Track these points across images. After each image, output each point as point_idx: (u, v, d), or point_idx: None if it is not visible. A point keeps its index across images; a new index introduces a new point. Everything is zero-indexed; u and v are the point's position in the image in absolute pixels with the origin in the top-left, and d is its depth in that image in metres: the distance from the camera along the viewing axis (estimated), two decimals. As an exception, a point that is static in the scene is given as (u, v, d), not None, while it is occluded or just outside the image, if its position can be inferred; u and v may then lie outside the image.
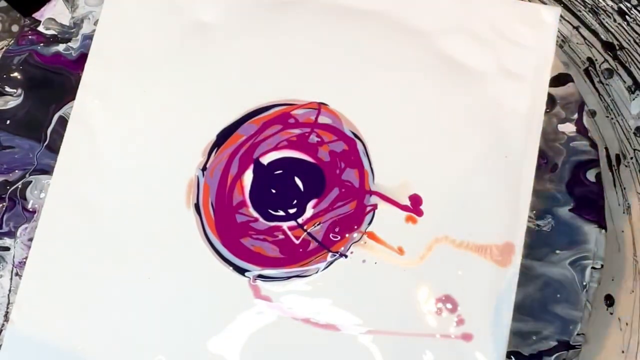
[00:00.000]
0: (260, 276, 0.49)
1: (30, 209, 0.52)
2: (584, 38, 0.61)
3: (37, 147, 0.53)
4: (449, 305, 0.49)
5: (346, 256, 0.50)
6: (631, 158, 0.59)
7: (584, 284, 0.51)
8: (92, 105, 0.52)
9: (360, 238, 0.50)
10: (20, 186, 0.53)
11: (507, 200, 0.49)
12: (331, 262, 0.50)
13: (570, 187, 0.52)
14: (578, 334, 0.50)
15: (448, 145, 0.50)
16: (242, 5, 0.53)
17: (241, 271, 0.50)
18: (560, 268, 0.51)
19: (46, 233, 0.50)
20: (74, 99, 0.52)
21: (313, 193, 0.51)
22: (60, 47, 0.55)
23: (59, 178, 0.51)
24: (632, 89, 0.60)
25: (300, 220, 0.50)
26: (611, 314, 0.56)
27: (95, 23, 0.54)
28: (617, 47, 0.60)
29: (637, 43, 0.61)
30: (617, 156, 0.59)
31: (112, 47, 0.52)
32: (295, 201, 0.51)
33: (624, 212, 0.58)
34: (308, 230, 0.50)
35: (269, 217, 0.50)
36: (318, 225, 0.50)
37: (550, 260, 0.51)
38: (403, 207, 0.50)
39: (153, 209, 0.50)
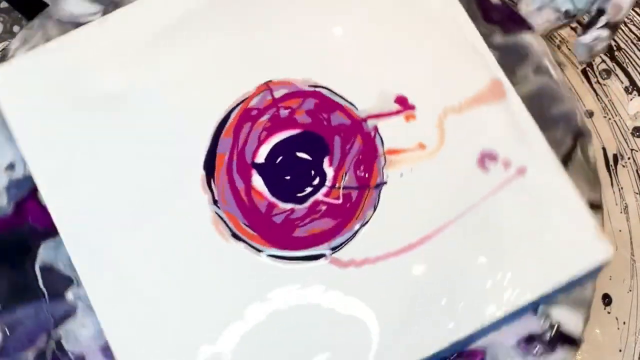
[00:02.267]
0: (333, 249, 0.49)
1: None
2: (582, 39, 0.61)
3: (42, 304, 0.51)
4: (489, 159, 0.50)
5: (386, 182, 0.50)
6: (628, 158, 0.59)
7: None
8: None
9: (385, 160, 0.50)
10: (54, 346, 0.51)
11: (467, 53, 0.52)
12: (378, 196, 0.50)
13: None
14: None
15: (398, 42, 0.52)
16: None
17: (316, 258, 0.49)
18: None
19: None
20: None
21: (320, 155, 0.51)
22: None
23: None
24: (630, 90, 0.60)
25: (328, 183, 0.50)
26: (609, 313, 0.56)
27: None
28: (615, 48, 0.61)
29: (634, 44, 0.61)
30: (615, 156, 0.59)
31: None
32: (312, 171, 0.51)
33: (621, 212, 0.58)
34: (341, 186, 0.50)
35: (301, 200, 0.50)
36: (345, 176, 0.50)
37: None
38: (396, 112, 0.51)
39: (195, 244, 0.50)
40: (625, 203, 0.58)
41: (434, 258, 0.49)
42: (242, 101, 0.52)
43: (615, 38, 0.61)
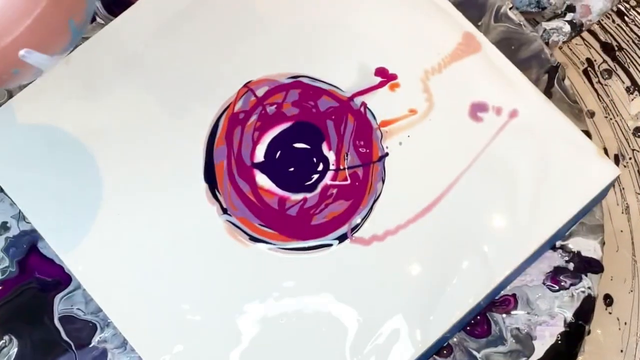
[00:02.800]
0: (353, 229, 0.50)
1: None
2: (583, 39, 0.61)
3: (71, 356, 0.51)
4: (480, 110, 0.51)
5: (387, 154, 0.51)
6: (630, 158, 0.59)
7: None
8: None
9: (381, 133, 0.51)
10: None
11: (434, 14, 0.53)
12: (384, 169, 0.50)
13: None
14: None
15: (365, 16, 0.53)
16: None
17: (341, 238, 0.50)
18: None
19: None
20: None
21: (317, 141, 0.51)
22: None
23: None
24: (631, 90, 0.60)
25: (332, 167, 0.51)
26: (610, 313, 0.55)
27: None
28: (616, 48, 0.61)
29: (635, 44, 0.61)
30: (616, 156, 0.59)
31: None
32: (314, 159, 0.51)
33: (622, 212, 0.57)
34: (345, 167, 0.51)
35: (309, 189, 0.51)
36: (347, 156, 0.51)
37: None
38: (380, 84, 0.52)
39: (215, 257, 0.50)
40: (627, 203, 0.58)
41: (451, 214, 0.49)
42: (227, 107, 0.52)
43: (617, 38, 0.61)
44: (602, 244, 0.52)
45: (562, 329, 0.50)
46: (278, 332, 0.48)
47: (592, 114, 0.60)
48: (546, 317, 0.50)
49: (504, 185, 0.50)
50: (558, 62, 0.54)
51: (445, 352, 0.50)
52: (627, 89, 0.60)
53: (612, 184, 0.51)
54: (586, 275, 0.51)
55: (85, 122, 0.52)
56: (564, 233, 0.51)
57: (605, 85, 0.60)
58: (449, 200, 0.50)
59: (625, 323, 0.55)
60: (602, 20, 0.61)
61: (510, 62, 0.52)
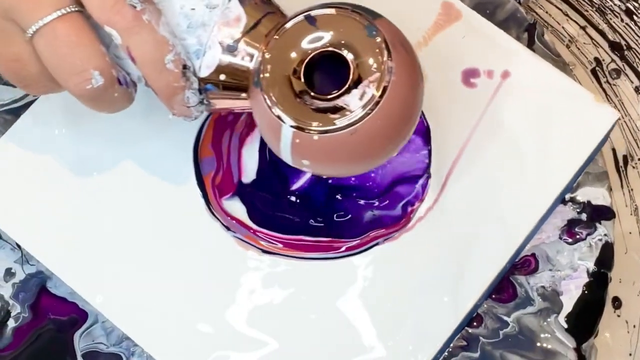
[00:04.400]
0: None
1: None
2: (591, 38, 0.60)
3: None
4: (472, 76, 0.52)
5: None
6: (639, 159, 0.58)
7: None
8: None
9: None
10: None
11: None
12: None
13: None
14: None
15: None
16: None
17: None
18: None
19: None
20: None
21: None
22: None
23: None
24: (640, 89, 0.60)
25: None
26: (618, 316, 0.55)
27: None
28: (625, 47, 0.60)
29: (644, 43, 0.60)
30: (625, 157, 0.58)
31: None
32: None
33: (631, 214, 0.57)
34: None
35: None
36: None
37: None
38: None
39: (229, 262, 0.50)
40: (636, 205, 0.57)
41: (464, 186, 0.50)
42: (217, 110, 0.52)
43: (625, 37, 0.60)
44: (609, 190, 0.53)
45: (586, 279, 0.51)
46: (311, 327, 0.49)
47: (600, 115, 0.59)
48: (569, 270, 0.52)
49: (509, 147, 0.50)
50: (534, 20, 0.55)
51: (475, 323, 0.51)
52: (636, 89, 0.60)
53: (612, 129, 0.51)
54: (600, 224, 0.52)
55: (75, 150, 0.52)
56: (572, 184, 0.52)
57: (614, 85, 0.60)
58: (459, 172, 0.51)
59: (634, 326, 0.55)
60: (611, 19, 0.61)
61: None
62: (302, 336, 0.49)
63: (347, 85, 0.42)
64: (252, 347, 0.48)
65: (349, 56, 0.42)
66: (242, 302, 0.49)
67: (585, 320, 0.51)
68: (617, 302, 0.55)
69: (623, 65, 0.60)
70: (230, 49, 0.44)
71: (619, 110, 0.59)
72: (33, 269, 0.52)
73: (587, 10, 0.61)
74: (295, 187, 0.52)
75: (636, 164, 0.58)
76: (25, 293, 0.52)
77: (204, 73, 0.44)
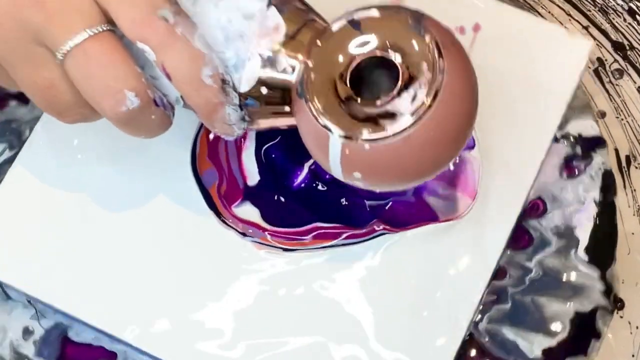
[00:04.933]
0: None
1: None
2: (594, 38, 0.60)
3: None
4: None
5: None
6: (642, 160, 0.58)
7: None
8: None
9: None
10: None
11: None
12: None
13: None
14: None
15: None
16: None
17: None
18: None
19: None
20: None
21: None
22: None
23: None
24: (643, 89, 0.59)
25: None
26: (621, 317, 0.55)
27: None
28: (627, 47, 0.60)
29: (647, 43, 0.60)
30: (627, 157, 0.58)
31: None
32: None
33: (634, 214, 0.57)
34: None
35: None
36: None
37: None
38: None
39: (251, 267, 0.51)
40: (638, 205, 0.57)
41: None
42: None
43: (628, 37, 0.60)
44: (596, 120, 0.54)
45: (595, 209, 0.53)
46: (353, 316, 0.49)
47: (603, 115, 0.59)
48: (577, 205, 0.53)
49: (496, 97, 0.51)
50: None
51: (499, 276, 0.52)
52: (639, 89, 0.59)
53: (590, 56, 0.53)
54: (595, 153, 0.54)
55: (72, 187, 0.52)
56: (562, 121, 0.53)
57: (617, 85, 0.59)
58: None
59: (637, 327, 0.55)
60: (614, 19, 0.60)
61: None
62: (348, 326, 0.49)
63: (397, 89, 0.40)
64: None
65: (397, 59, 0.41)
66: (278, 309, 0.49)
67: (604, 249, 0.53)
68: (619, 303, 0.55)
69: (626, 65, 0.60)
70: (271, 61, 0.42)
71: (621, 111, 0.59)
72: (51, 322, 0.52)
73: (589, 10, 0.61)
74: (299, 180, 0.51)
75: (639, 164, 0.58)
76: (48, 348, 0.51)
77: (244, 88, 0.42)
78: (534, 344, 0.51)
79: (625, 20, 0.60)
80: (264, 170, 0.52)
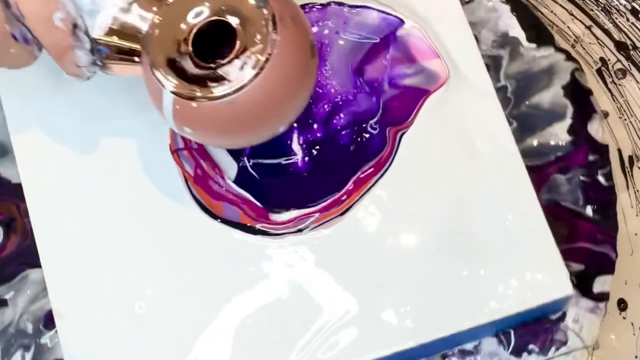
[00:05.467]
0: None
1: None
2: (597, 37, 0.60)
3: None
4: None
5: None
6: (645, 160, 0.58)
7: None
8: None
9: None
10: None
11: None
12: None
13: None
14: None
15: None
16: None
17: None
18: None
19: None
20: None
21: None
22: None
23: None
24: (646, 90, 0.59)
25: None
26: (624, 318, 0.55)
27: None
28: (630, 47, 0.60)
29: (650, 42, 0.60)
30: (630, 158, 0.58)
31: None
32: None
33: (637, 215, 0.57)
34: None
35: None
36: None
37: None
38: None
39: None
40: (641, 205, 0.57)
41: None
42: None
43: (631, 37, 0.60)
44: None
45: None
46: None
47: (606, 115, 0.59)
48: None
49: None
50: None
51: None
52: (642, 89, 0.59)
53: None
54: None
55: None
56: None
57: (620, 85, 0.59)
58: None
59: (640, 328, 0.55)
60: (617, 18, 0.60)
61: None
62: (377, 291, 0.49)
63: (231, 56, 0.43)
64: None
65: (238, 27, 0.43)
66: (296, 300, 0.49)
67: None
68: (622, 304, 0.55)
69: (629, 65, 0.60)
70: (125, 11, 0.44)
71: (624, 111, 0.59)
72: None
73: (592, 10, 0.61)
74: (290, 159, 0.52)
75: (642, 165, 0.58)
76: None
77: (96, 33, 0.44)
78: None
79: (628, 20, 0.60)
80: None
